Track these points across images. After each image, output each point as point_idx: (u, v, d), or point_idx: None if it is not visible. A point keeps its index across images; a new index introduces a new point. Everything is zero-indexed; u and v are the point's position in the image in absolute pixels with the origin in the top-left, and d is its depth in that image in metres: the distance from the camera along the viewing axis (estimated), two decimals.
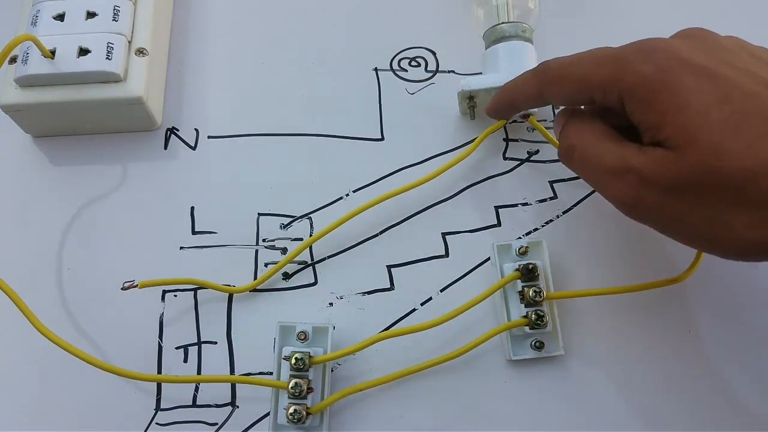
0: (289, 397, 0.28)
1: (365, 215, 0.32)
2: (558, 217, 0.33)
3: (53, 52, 0.32)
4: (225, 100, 0.37)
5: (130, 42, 0.34)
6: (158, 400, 0.30)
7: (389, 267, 0.32)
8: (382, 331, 0.31)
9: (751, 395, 0.29)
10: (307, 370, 0.28)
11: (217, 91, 0.37)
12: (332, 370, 0.30)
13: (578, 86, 0.26)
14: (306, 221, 0.34)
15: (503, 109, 0.31)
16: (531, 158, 0.35)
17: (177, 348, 0.31)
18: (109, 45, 0.33)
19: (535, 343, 0.30)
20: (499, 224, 0.33)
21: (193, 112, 0.37)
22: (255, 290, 0.32)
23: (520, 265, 0.30)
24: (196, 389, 0.30)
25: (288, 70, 0.38)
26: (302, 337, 0.29)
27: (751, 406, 0.29)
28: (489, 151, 0.35)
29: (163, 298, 0.32)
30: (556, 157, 0.35)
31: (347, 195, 0.34)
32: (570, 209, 0.33)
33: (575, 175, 0.34)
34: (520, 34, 0.34)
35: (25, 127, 0.35)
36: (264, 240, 0.33)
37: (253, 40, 0.39)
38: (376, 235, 0.33)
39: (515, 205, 0.34)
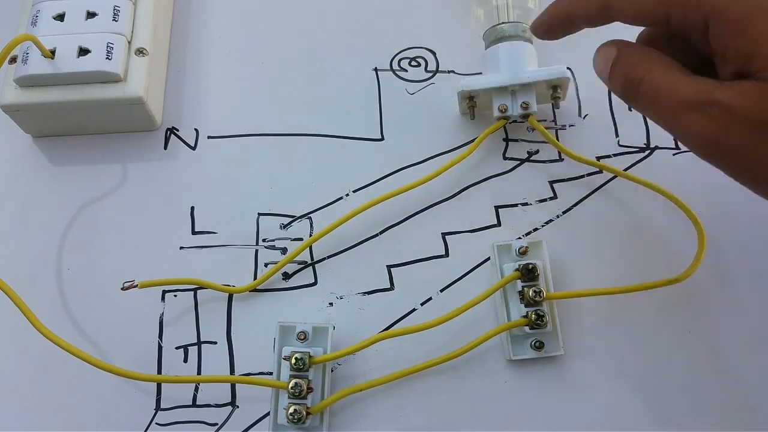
0: (289, 397, 0.27)
1: (365, 215, 0.32)
2: (558, 217, 0.33)
3: (53, 52, 0.32)
4: (225, 100, 0.37)
5: (130, 42, 0.34)
6: (158, 400, 0.30)
7: (389, 267, 0.32)
8: (382, 331, 0.31)
9: (751, 394, 0.29)
10: (307, 370, 0.28)
11: (217, 91, 0.37)
12: (332, 370, 0.30)
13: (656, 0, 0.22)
14: (306, 221, 0.34)
15: (558, 25, 0.27)
16: (531, 158, 0.35)
17: (177, 348, 0.31)
18: (109, 45, 0.33)
19: (535, 343, 0.30)
20: (499, 224, 0.33)
21: (193, 112, 0.37)
22: (255, 290, 0.32)
23: (520, 265, 0.30)
24: (196, 389, 0.30)
25: (288, 70, 0.38)
26: (302, 337, 0.29)
27: (752, 405, 0.29)
28: (489, 151, 0.35)
29: (163, 298, 0.32)
30: (556, 157, 0.35)
31: (347, 195, 0.34)
32: (570, 209, 0.33)
33: (575, 175, 0.34)
34: (520, 34, 0.34)
35: (25, 127, 0.35)
36: (264, 240, 0.33)
37: (253, 40, 0.39)
38: (376, 235, 0.33)
39: (515, 205, 0.34)
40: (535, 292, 0.29)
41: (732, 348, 0.30)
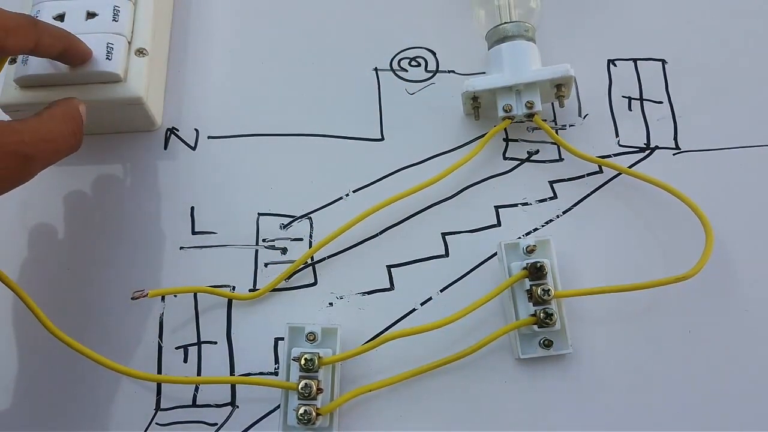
0: (299, 398, 0.27)
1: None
2: (558, 216, 0.33)
3: None
4: (225, 100, 0.37)
5: (130, 42, 0.34)
6: (158, 401, 0.30)
7: (389, 267, 0.32)
8: (383, 331, 0.31)
9: (754, 394, 0.29)
10: (317, 371, 0.28)
11: (217, 91, 0.37)
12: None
13: None
14: (306, 221, 0.34)
15: None
16: (531, 158, 0.35)
17: (177, 348, 0.31)
18: (109, 45, 0.33)
19: (543, 341, 0.29)
20: (499, 224, 0.33)
21: (193, 112, 0.37)
22: (254, 290, 0.32)
23: (528, 264, 0.30)
24: (196, 389, 0.30)
25: (288, 70, 0.38)
26: (311, 338, 0.29)
27: (758, 405, 0.29)
28: (489, 151, 0.35)
29: (163, 299, 0.32)
30: (556, 157, 0.35)
31: (347, 195, 0.34)
32: (570, 209, 0.33)
33: (575, 175, 0.34)
34: (522, 34, 0.34)
35: None
36: (264, 240, 0.33)
37: (253, 40, 0.39)
38: (376, 235, 0.33)
39: (515, 205, 0.34)
40: (543, 290, 0.29)
41: (739, 346, 0.30)
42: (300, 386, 0.27)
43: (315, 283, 0.32)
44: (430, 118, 0.36)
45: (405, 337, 0.28)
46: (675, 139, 0.35)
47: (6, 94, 0.33)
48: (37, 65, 0.32)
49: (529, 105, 0.33)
